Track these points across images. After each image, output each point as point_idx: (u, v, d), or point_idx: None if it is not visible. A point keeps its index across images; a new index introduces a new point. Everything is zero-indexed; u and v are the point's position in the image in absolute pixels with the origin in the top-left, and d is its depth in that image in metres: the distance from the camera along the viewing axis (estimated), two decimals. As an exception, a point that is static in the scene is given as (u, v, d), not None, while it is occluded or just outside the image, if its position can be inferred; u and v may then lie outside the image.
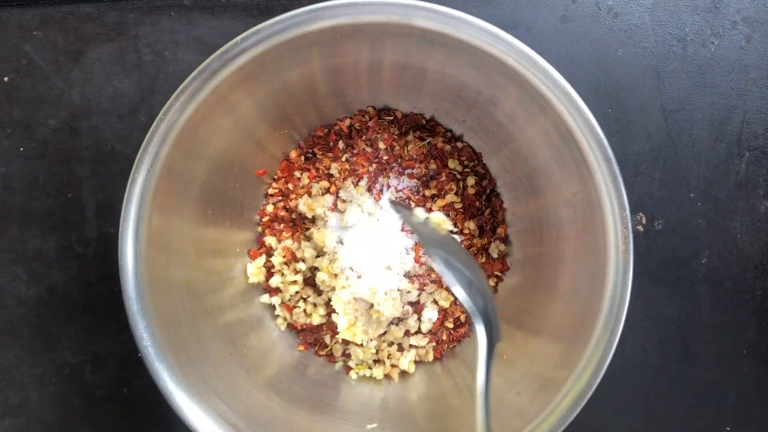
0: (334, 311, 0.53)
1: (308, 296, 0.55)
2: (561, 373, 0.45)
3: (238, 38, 0.43)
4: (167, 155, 0.44)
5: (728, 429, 0.58)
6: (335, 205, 0.54)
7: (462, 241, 0.54)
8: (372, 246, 0.53)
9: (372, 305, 0.52)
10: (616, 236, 0.43)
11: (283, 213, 0.55)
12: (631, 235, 0.43)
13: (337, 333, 0.52)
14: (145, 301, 0.44)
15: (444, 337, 0.55)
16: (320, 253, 0.53)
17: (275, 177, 0.55)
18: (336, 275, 0.52)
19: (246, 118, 0.49)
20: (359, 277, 0.52)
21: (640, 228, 0.57)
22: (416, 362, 0.55)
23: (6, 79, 0.57)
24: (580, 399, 0.43)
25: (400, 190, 0.54)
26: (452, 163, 0.54)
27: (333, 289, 0.53)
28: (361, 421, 0.51)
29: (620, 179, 0.42)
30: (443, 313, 0.55)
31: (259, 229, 0.56)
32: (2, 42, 0.57)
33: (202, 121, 0.45)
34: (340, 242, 0.53)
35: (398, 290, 0.53)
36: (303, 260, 0.54)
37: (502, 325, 0.53)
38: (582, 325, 0.45)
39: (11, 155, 0.58)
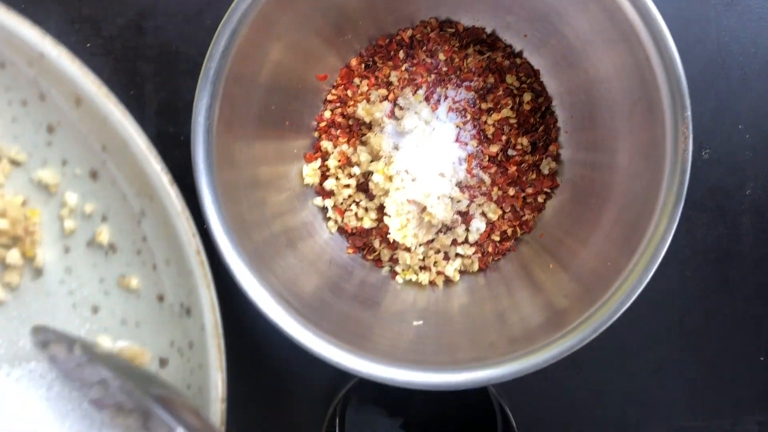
0: (384, 216, 0.54)
1: (360, 200, 0.56)
2: (611, 270, 0.46)
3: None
4: (233, 59, 0.46)
5: (762, 359, 0.59)
6: (392, 112, 0.55)
7: (514, 156, 0.55)
8: (427, 152, 0.54)
9: (424, 209, 0.54)
10: (675, 136, 0.44)
11: (340, 119, 0.57)
12: (691, 134, 0.44)
13: (387, 235, 0.54)
14: (212, 175, 0.45)
15: (489, 249, 0.56)
16: (375, 158, 0.55)
17: (334, 84, 0.57)
18: (391, 177, 0.53)
19: (306, 26, 0.51)
20: (413, 180, 0.54)
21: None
22: (460, 272, 0.56)
23: (78, -25, 0.59)
24: (629, 296, 0.45)
25: (457, 102, 0.55)
26: (510, 79, 0.55)
27: (386, 193, 0.54)
28: (409, 319, 0.53)
29: (683, 78, 0.44)
30: (491, 225, 0.56)
31: (316, 134, 0.57)
32: (80, -66, 0.59)
33: (265, 25, 0.47)
34: (396, 148, 0.54)
35: (449, 197, 0.54)
36: (357, 164, 0.55)
37: (547, 235, 0.54)
38: (634, 228, 0.46)
39: (78, 51, 0.59)
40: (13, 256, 0.38)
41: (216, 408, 0.38)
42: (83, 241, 0.39)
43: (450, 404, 0.56)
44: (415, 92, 0.55)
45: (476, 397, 0.55)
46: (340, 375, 0.47)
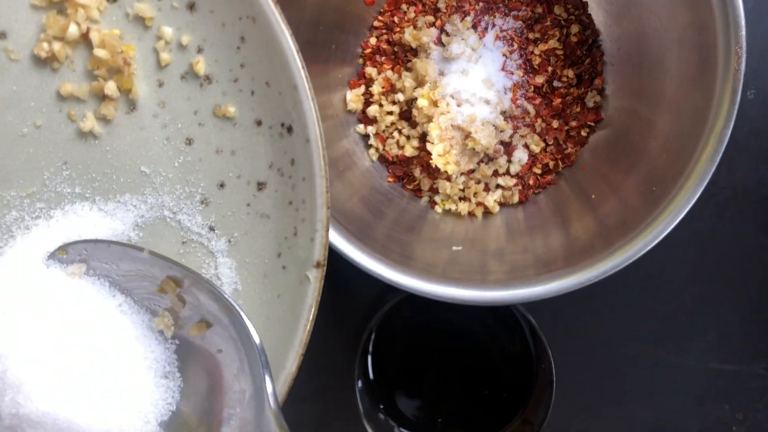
0: (427, 143, 0.54)
1: (403, 128, 0.56)
2: (648, 205, 0.46)
3: None
4: None
5: (799, 303, 0.59)
6: (439, 38, 0.55)
7: (560, 88, 0.55)
8: (472, 79, 0.54)
9: (468, 135, 0.54)
10: (726, 57, 0.44)
11: (385, 46, 0.57)
12: (744, 55, 0.44)
13: (430, 161, 0.54)
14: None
15: (530, 182, 0.56)
16: (420, 84, 0.55)
17: (381, 10, 0.57)
18: (435, 102, 0.53)
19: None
20: (458, 106, 0.54)
21: (733, 96, 0.58)
22: (500, 204, 0.56)
23: None
24: (665, 228, 0.45)
25: (505, 30, 0.55)
26: (558, 9, 0.55)
27: (429, 119, 0.54)
28: (448, 244, 0.53)
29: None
30: (533, 157, 0.56)
31: (361, 61, 0.57)
32: None
33: None
34: (441, 74, 0.55)
35: (493, 125, 0.54)
36: (402, 91, 0.56)
37: (589, 169, 0.55)
38: (681, 152, 0.46)
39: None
40: (111, 87, 0.38)
41: (322, 214, 0.39)
42: (177, 74, 0.39)
43: (483, 328, 0.56)
44: (463, 19, 0.55)
45: (508, 319, 0.55)
46: (383, 292, 0.47)
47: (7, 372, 0.34)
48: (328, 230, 0.39)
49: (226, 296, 0.37)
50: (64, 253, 0.38)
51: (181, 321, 0.38)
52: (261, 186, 0.40)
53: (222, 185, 0.40)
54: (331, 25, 0.54)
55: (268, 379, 0.36)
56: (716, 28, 0.45)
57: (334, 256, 0.45)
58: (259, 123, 0.40)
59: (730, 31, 0.44)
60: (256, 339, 0.36)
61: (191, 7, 0.38)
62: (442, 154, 0.53)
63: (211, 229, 0.40)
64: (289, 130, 0.39)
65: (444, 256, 0.51)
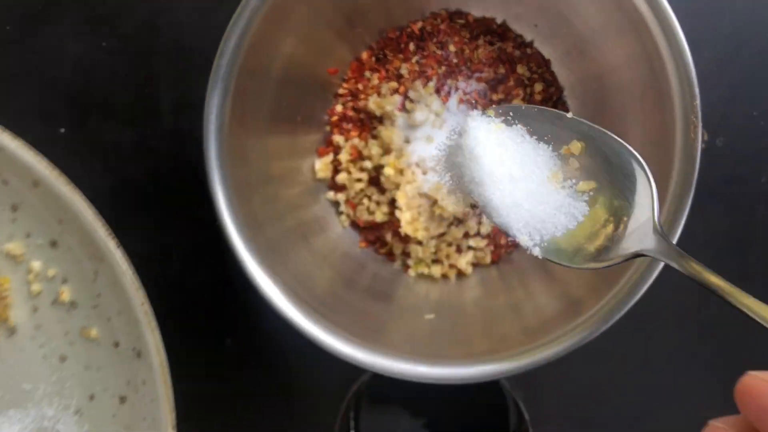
0: (396, 209, 0.54)
1: (372, 194, 0.56)
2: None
3: None
4: (244, 54, 0.47)
5: (780, 348, 0.58)
6: (403, 105, 0.55)
7: (525, 146, 0.55)
8: (438, 145, 0.54)
9: (435, 202, 0.54)
10: (685, 126, 0.44)
11: (351, 113, 0.57)
12: (700, 124, 0.44)
13: (399, 228, 0.54)
14: (225, 170, 0.46)
15: (502, 242, 0.56)
16: (386, 151, 0.55)
17: (345, 78, 0.57)
18: (402, 171, 0.54)
19: (318, 19, 0.51)
20: (424, 173, 0.54)
21: (702, 144, 0.57)
22: (473, 265, 0.57)
23: (93, -25, 0.60)
24: (639, 287, 0.45)
25: (468, 93, 0.55)
26: (521, 69, 0.55)
27: (397, 186, 0.54)
28: (420, 312, 0.53)
29: (692, 67, 0.43)
30: (503, 217, 0.56)
31: (328, 128, 0.57)
32: (93, -66, 0.59)
33: (278, 17, 0.47)
34: (407, 141, 0.55)
35: (461, 190, 0.54)
36: (369, 158, 0.56)
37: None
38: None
39: (94, 49, 0.60)
40: (-10, 315, 0.47)
41: None
42: (48, 301, 0.47)
43: (463, 398, 0.56)
44: (426, 84, 0.55)
45: (489, 390, 0.55)
46: (353, 370, 0.47)
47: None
48: None
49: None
50: None
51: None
52: (123, 400, 0.47)
53: (92, 397, 0.47)
54: (296, 96, 0.54)
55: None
56: (673, 95, 0.45)
57: (300, 336, 0.46)
58: (117, 345, 0.46)
59: (686, 99, 0.44)
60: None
61: (53, 244, 0.46)
62: (411, 222, 0.54)
63: None
64: (139, 354, 0.45)
65: (417, 326, 0.52)
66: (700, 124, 0.44)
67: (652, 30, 0.44)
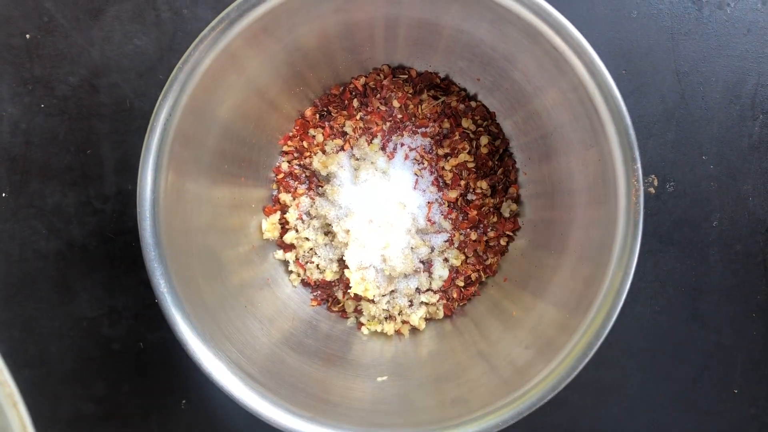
0: (346, 267, 0.53)
1: (321, 253, 0.55)
2: (571, 323, 0.46)
3: (256, -11, 0.43)
4: (184, 108, 0.45)
5: (736, 391, 0.58)
6: (349, 162, 0.55)
7: (474, 200, 0.55)
8: (385, 202, 0.54)
9: (384, 260, 0.53)
10: (627, 189, 0.44)
11: (297, 170, 0.56)
12: (642, 187, 0.43)
13: (350, 289, 0.53)
14: (162, 249, 0.45)
15: (454, 295, 0.55)
16: (334, 210, 0.54)
17: (290, 135, 0.56)
18: (348, 231, 0.53)
19: (260, 76, 0.50)
20: (372, 231, 0.53)
21: (652, 190, 0.57)
22: (427, 319, 0.56)
23: (28, 36, 0.58)
24: (587, 351, 0.44)
25: (414, 149, 0.55)
26: (466, 123, 0.55)
27: (346, 245, 0.53)
28: (373, 374, 0.52)
29: (632, 131, 0.43)
30: (454, 271, 0.55)
31: (274, 186, 0.56)
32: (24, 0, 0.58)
33: (218, 75, 0.46)
34: (354, 199, 0.54)
35: (410, 248, 0.54)
36: (317, 217, 0.55)
37: (511, 279, 0.54)
38: (592, 279, 0.46)
39: (32, 111, 0.59)
40: None
41: None
42: None
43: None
44: (371, 141, 0.54)
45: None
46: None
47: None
48: None
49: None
50: None
51: None
52: None
53: None
54: (239, 156, 0.53)
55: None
56: (614, 157, 0.44)
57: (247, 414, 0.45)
58: None
59: (627, 162, 0.43)
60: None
61: None
62: (360, 282, 0.53)
63: None
64: None
65: (367, 392, 0.51)
66: (641, 187, 0.43)
67: (588, 89, 0.44)
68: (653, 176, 0.57)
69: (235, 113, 0.50)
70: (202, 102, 0.46)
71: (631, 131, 0.43)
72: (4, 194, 0.59)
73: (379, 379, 0.51)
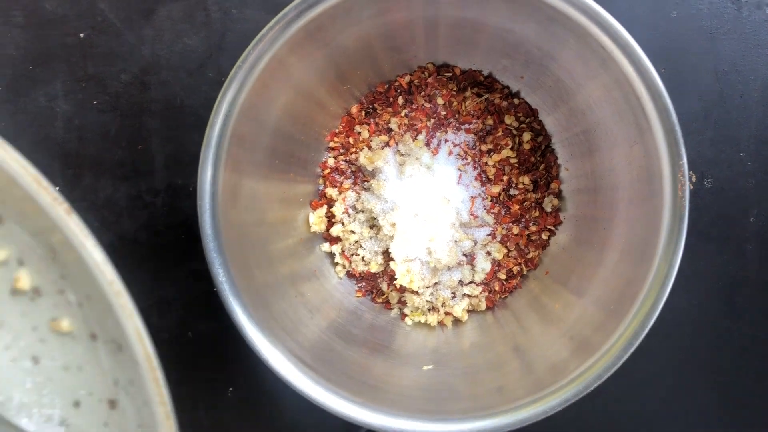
0: (391, 259, 0.55)
1: (367, 245, 0.57)
2: (612, 318, 0.47)
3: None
4: (241, 106, 0.47)
5: (772, 383, 0.59)
6: (394, 158, 0.56)
7: (517, 195, 0.56)
8: (429, 197, 0.55)
9: (429, 252, 0.54)
10: (673, 185, 0.45)
11: (343, 165, 0.57)
12: (687, 183, 0.44)
13: (395, 280, 0.55)
14: (220, 240, 0.47)
15: (496, 288, 0.57)
16: (379, 204, 0.55)
17: (336, 131, 0.58)
18: (394, 224, 0.54)
19: (309, 76, 0.52)
20: (417, 225, 0.55)
21: (690, 186, 0.58)
22: (469, 311, 0.57)
23: (82, 35, 0.60)
24: (631, 343, 0.45)
25: (457, 145, 0.56)
26: (509, 119, 0.56)
27: (391, 238, 0.55)
28: (418, 364, 0.54)
29: (678, 128, 0.44)
30: (496, 264, 0.57)
31: (321, 181, 0.58)
32: (79, 0, 0.60)
33: (272, 74, 0.48)
34: (399, 193, 0.55)
35: (454, 240, 0.55)
36: (362, 211, 0.56)
37: (552, 273, 0.55)
38: (635, 274, 0.47)
39: (85, 108, 0.61)
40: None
41: None
42: (6, 291, 0.38)
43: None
44: (416, 138, 0.56)
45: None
46: (352, 426, 0.48)
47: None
48: None
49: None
50: None
51: None
52: (113, 404, 0.39)
53: (77, 404, 0.39)
54: (289, 152, 0.54)
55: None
56: (660, 153, 0.45)
57: (294, 394, 0.47)
58: (94, 337, 0.38)
59: (673, 158, 0.45)
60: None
61: None
62: (406, 274, 0.54)
63: None
64: (120, 347, 0.37)
65: (414, 379, 0.52)
66: (687, 182, 0.44)
67: (636, 89, 0.45)
68: (691, 173, 0.58)
69: (285, 111, 0.52)
70: (257, 100, 0.48)
71: (677, 128, 0.44)
72: (57, 188, 0.61)
73: (425, 368, 0.53)
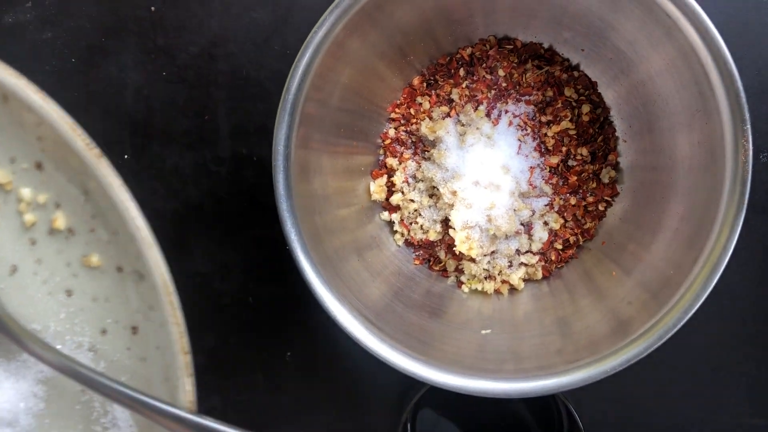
0: (450, 228, 0.56)
1: (426, 214, 0.58)
2: (674, 277, 0.48)
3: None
4: (314, 72, 0.49)
5: (826, 357, 0.60)
6: (455, 128, 0.58)
7: (575, 166, 0.57)
8: (489, 166, 0.56)
9: (489, 220, 0.56)
10: (735, 149, 0.46)
11: (404, 136, 0.59)
12: (750, 147, 0.45)
13: (453, 248, 0.56)
14: (292, 201, 0.49)
15: (552, 257, 0.58)
16: (440, 173, 0.57)
17: (398, 102, 0.59)
18: (455, 192, 0.56)
19: (369, 55, 0.53)
20: (477, 193, 0.56)
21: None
22: (525, 280, 0.59)
23: (153, 8, 0.62)
24: (693, 304, 0.46)
25: (517, 116, 0.57)
26: (568, 91, 0.57)
27: (451, 206, 0.56)
28: (476, 328, 0.55)
29: (743, 94, 0.45)
30: (553, 234, 0.58)
31: (381, 151, 0.60)
32: (154, -28, 0.62)
33: (341, 44, 0.49)
34: (459, 162, 0.57)
35: (513, 209, 0.56)
36: (422, 180, 0.58)
37: (609, 243, 0.56)
38: (695, 239, 0.48)
39: (154, 79, 0.63)
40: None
41: (181, 360, 0.43)
42: (45, 231, 0.44)
43: (518, 408, 0.59)
44: (476, 108, 0.57)
45: (543, 400, 0.57)
46: (412, 381, 0.49)
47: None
48: (192, 376, 0.44)
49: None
50: None
51: None
52: (134, 330, 0.45)
53: (104, 332, 0.45)
54: (352, 121, 0.56)
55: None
56: (723, 119, 0.46)
57: (358, 348, 0.48)
58: (120, 269, 0.44)
59: (736, 124, 0.45)
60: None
61: (39, 167, 0.43)
62: (465, 241, 0.56)
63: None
64: (141, 276, 0.43)
65: (473, 341, 0.54)
66: (750, 148, 0.45)
67: (701, 57, 0.46)
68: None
69: (348, 89, 0.53)
70: (322, 82, 0.50)
71: (742, 93, 0.45)
72: (126, 156, 0.63)
73: (483, 332, 0.54)
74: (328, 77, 0.51)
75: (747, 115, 0.45)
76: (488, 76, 0.58)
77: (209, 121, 0.63)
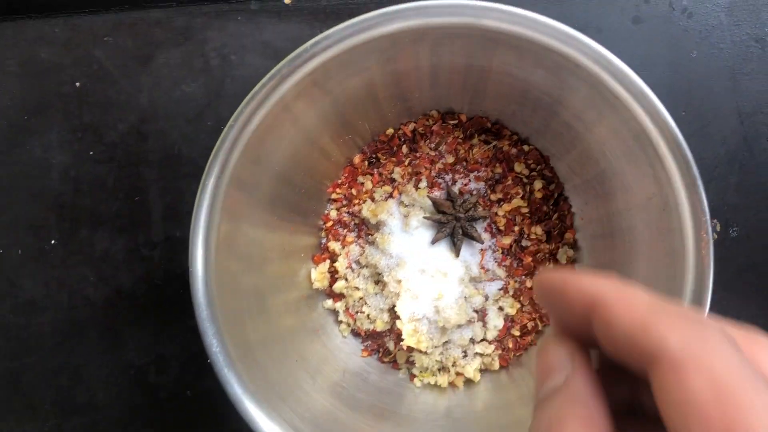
0: (398, 317, 0.52)
1: (372, 302, 0.54)
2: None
3: (308, 43, 0.42)
4: (236, 162, 0.44)
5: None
6: (398, 210, 0.53)
7: (529, 246, 0.53)
8: (436, 250, 0.52)
9: (437, 311, 0.52)
10: (696, 242, 0.42)
11: (346, 218, 0.55)
12: (711, 241, 0.41)
13: (402, 340, 0.52)
14: (214, 307, 0.44)
15: (510, 345, 0.54)
16: (384, 259, 0.53)
17: (339, 182, 0.55)
18: (400, 281, 0.51)
19: (310, 126, 0.49)
20: (424, 281, 0.52)
21: (715, 235, 0.55)
22: (481, 370, 0.54)
23: (78, 84, 0.58)
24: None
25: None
26: (519, 167, 0.53)
27: (397, 295, 0.52)
28: (427, 430, 0.50)
29: (700, 182, 0.41)
30: (509, 320, 0.54)
31: (323, 234, 0.55)
32: (75, 48, 0.58)
33: (269, 129, 0.45)
34: (404, 247, 0.53)
35: (464, 297, 0.52)
36: (367, 266, 0.54)
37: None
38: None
39: (81, 158, 0.59)
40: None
41: None
42: None
43: None
44: (417, 186, 0.53)
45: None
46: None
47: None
48: None
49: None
50: None
51: None
52: None
53: None
54: (286, 210, 0.52)
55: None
56: (680, 208, 0.42)
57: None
58: None
59: (695, 213, 0.41)
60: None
61: None
62: (413, 334, 0.51)
63: None
64: None
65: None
66: (711, 239, 0.41)
67: (653, 141, 0.42)
68: (715, 221, 0.55)
69: (288, 157, 0.49)
70: (253, 155, 0.45)
71: (699, 182, 0.41)
72: (53, 241, 0.59)
73: (437, 436, 0.50)
74: (263, 148, 0.46)
75: (705, 206, 0.41)
76: (432, 152, 0.54)
77: (140, 202, 0.58)
